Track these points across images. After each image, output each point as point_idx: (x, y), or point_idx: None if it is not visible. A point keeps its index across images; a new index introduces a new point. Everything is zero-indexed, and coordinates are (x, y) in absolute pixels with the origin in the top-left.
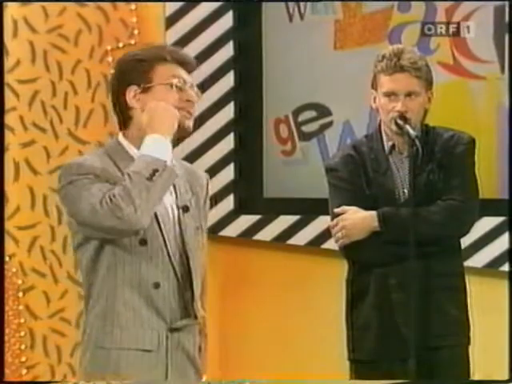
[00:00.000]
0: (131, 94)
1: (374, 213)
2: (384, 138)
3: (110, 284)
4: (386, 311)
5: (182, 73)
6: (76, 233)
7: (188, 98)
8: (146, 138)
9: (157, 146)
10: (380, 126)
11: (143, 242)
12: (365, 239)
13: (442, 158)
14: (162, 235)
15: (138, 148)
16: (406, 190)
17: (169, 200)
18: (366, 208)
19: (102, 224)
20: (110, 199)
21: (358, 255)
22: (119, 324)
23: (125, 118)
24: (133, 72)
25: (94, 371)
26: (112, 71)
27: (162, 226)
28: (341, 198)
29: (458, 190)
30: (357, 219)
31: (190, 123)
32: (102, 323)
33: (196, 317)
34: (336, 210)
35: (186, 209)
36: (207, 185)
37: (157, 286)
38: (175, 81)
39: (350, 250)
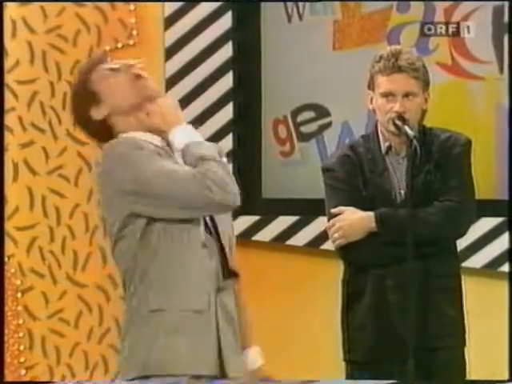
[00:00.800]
0: (93, 114)
1: (371, 213)
2: (381, 138)
3: (161, 253)
4: (383, 312)
5: (113, 63)
6: (120, 214)
7: (136, 73)
8: (174, 132)
9: (195, 135)
10: (377, 126)
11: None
12: (362, 240)
13: (439, 159)
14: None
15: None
16: (402, 191)
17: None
18: (363, 209)
19: (204, 198)
20: (213, 174)
21: (355, 256)
22: (171, 287)
23: (107, 130)
24: (78, 99)
25: (146, 335)
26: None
27: None
28: (337, 198)
29: (454, 190)
30: (354, 220)
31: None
32: (154, 287)
33: (236, 274)
34: (333, 211)
35: None
36: None
37: (204, 245)
38: (108, 70)
39: (347, 251)
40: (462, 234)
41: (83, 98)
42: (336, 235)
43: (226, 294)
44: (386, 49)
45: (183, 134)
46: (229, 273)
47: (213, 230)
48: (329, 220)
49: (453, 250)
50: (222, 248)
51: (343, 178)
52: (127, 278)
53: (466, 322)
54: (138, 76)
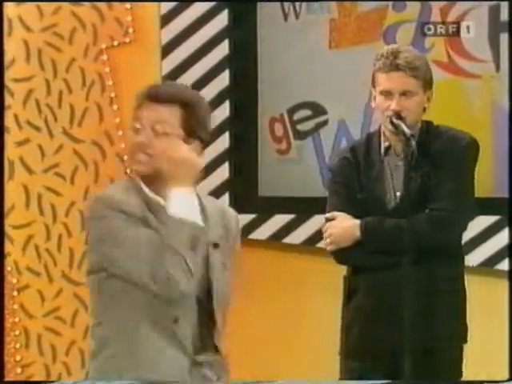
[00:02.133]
0: None
1: (357, 222)
2: (382, 138)
3: (130, 319)
4: (380, 310)
5: (142, 112)
6: (95, 261)
7: (137, 140)
8: (172, 191)
9: (187, 205)
10: (380, 125)
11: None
12: (351, 247)
13: (438, 161)
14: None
15: (154, 193)
16: (398, 194)
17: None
18: (358, 212)
19: (147, 285)
20: (160, 264)
21: (346, 261)
22: (139, 357)
23: None
24: None
25: None
26: None
27: (190, 264)
28: (334, 201)
29: (447, 197)
30: (343, 227)
31: (144, 169)
32: (121, 356)
33: (218, 350)
34: (327, 216)
35: (216, 245)
36: (237, 223)
37: (176, 320)
38: (133, 124)
39: (339, 256)
40: (452, 241)
41: None
42: (328, 240)
43: (206, 367)
44: (387, 47)
45: (176, 202)
46: (209, 348)
47: (207, 299)
48: (325, 223)
49: (456, 251)
50: (213, 319)
51: (339, 181)
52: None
53: (467, 324)
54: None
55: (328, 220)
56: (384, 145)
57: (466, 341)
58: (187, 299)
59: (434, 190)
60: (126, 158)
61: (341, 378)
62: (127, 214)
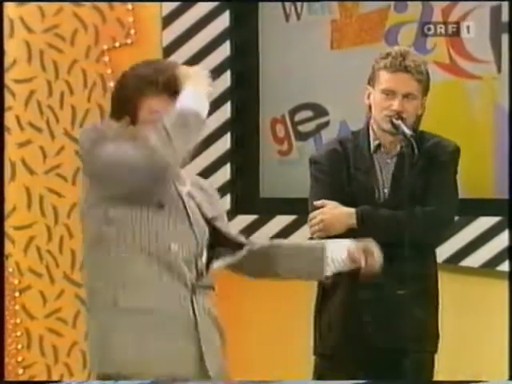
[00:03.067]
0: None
1: (352, 210)
2: (371, 136)
3: (129, 248)
4: (354, 309)
5: (163, 104)
6: (89, 193)
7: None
8: (185, 89)
9: (195, 99)
10: (368, 123)
11: (160, 206)
12: (341, 235)
13: (426, 164)
14: (181, 198)
15: None
16: (386, 191)
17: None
18: (345, 204)
19: (133, 165)
20: (144, 140)
21: None
22: (140, 284)
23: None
24: (120, 100)
25: (116, 332)
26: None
27: (180, 191)
28: (321, 191)
29: (437, 197)
30: (335, 215)
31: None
32: (121, 284)
33: (212, 288)
34: (316, 203)
35: (193, 196)
36: (216, 192)
37: (169, 246)
38: (153, 117)
39: None
40: (437, 240)
41: (122, 103)
42: (316, 227)
43: (202, 294)
44: (395, 47)
45: (184, 96)
46: (204, 284)
47: (190, 221)
48: (311, 212)
49: (430, 253)
50: (205, 247)
51: (328, 171)
52: (92, 271)
53: (439, 328)
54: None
55: (315, 208)
56: (374, 142)
57: (435, 350)
58: (185, 227)
59: (424, 189)
60: None
61: (315, 379)
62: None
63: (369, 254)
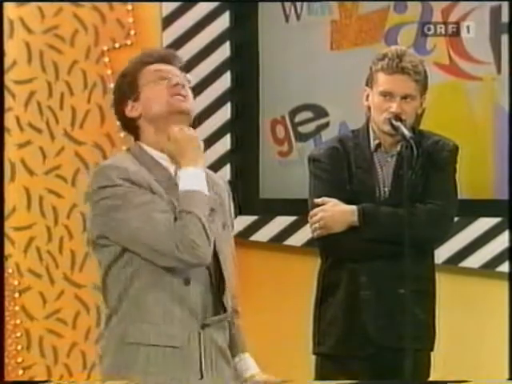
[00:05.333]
0: (128, 108)
1: (354, 207)
2: (371, 135)
3: (142, 283)
4: (354, 308)
5: (164, 66)
6: (101, 237)
7: (174, 82)
8: (182, 171)
9: (198, 181)
10: (368, 123)
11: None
12: (342, 233)
13: (426, 163)
14: None
15: (160, 151)
16: (386, 189)
17: None
18: (346, 202)
19: (171, 253)
20: (187, 232)
21: (333, 248)
22: (149, 320)
23: (134, 130)
24: (121, 88)
25: (119, 368)
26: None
27: None
28: (322, 189)
29: (438, 195)
30: (336, 212)
31: (186, 105)
32: (132, 319)
33: (226, 310)
34: (316, 201)
35: (211, 209)
36: (228, 189)
37: (187, 282)
38: (156, 75)
39: (326, 242)
40: (439, 238)
41: (123, 90)
42: (317, 225)
43: (214, 329)
44: (391, 48)
45: (188, 178)
46: (218, 309)
47: (215, 259)
48: (311, 209)
49: (429, 253)
50: (222, 278)
51: (329, 169)
52: (109, 303)
53: (436, 327)
54: (176, 91)
55: (316, 206)
56: (374, 142)
57: (432, 348)
58: None
59: (424, 187)
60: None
61: (316, 379)
62: (135, 183)
63: None
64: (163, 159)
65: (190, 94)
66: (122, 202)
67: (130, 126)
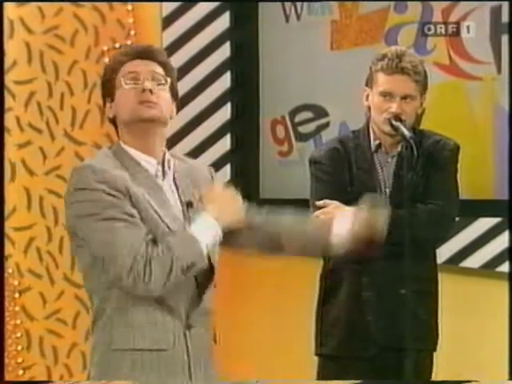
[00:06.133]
0: (107, 108)
1: (354, 210)
2: (371, 136)
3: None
4: (356, 309)
5: (140, 64)
6: (76, 236)
7: (142, 87)
8: (205, 214)
9: (210, 235)
10: (368, 123)
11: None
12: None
13: (427, 162)
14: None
15: (136, 149)
16: (387, 190)
17: (172, 197)
18: (347, 203)
19: (120, 274)
20: (148, 260)
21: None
22: (132, 325)
23: (115, 128)
24: (102, 86)
25: (107, 373)
26: None
27: (170, 225)
28: (323, 191)
29: (439, 195)
30: (338, 214)
31: (153, 112)
32: (115, 325)
33: (209, 311)
34: (318, 203)
35: (190, 204)
36: (212, 177)
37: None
38: (128, 77)
39: None
40: (440, 238)
41: (103, 88)
42: None
43: (200, 329)
44: (391, 48)
45: (204, 226)
46: (202, 308)
47: None
48: (313, 211)
49: (431, 253)
50: (204, 279)
51: (330, 171)
52: (93, 307)
53: (439, 327)
54: (144, 98)
55: (317, 208)
56: (375, 142)
57: (435, 348)
58: None
59: (425, 187)
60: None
61: (319, 379)
62: (112, 188)
63: (372, 223)
64: (142, 159)
65: (162, 96)
66: (95, 210)
67: (112, 124)
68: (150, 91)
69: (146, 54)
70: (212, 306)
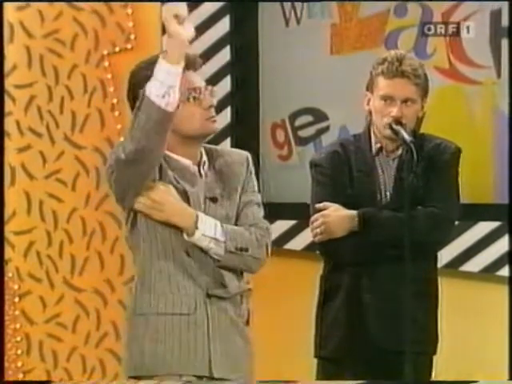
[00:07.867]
0: None
1: (354, 213)
2: (372, 139)
3: (146, 253)
4: (356, 311)
5: (193, 77)
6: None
7: (208, 104)
8: (159, 63)
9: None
10: (369, 126)
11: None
12: (342, 238)
13: (428, 165)
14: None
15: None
16: (388, 193)
17: (199, 190)
18: (347, 206)
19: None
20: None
21: (334, 253)
22: (155, 290)
23: None
24: None
25: (135, 338)
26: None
27: (192, 203)
28: (323, 194)
29: (440, 198)
30: (337, 217)
31: (215, 125)
32: (139, 291)
33: (230, 286)
34: (318, 206)
35: (214, 200)
36: (248, 166)
37: (188, 254)
38: (187, 92)
39: (327, 247)
40: (441, 241)
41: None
42: (318, 230)
43: (222, 301)
44: (391, 52)
45: (161, 75)
46: (222, 284)
47: None
48: (313, 214)
49: (431, 256)
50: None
51: (330, 174)
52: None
53: (438, 330)
54: (210, 114)
55: (317, 211)
56: (376, 145)
57: (435, 352)
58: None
59: (426, 190)
60: None
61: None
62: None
63: None
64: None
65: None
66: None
67: None
68: (213, 106)
69: (191, 64)
70: (234, 284)
